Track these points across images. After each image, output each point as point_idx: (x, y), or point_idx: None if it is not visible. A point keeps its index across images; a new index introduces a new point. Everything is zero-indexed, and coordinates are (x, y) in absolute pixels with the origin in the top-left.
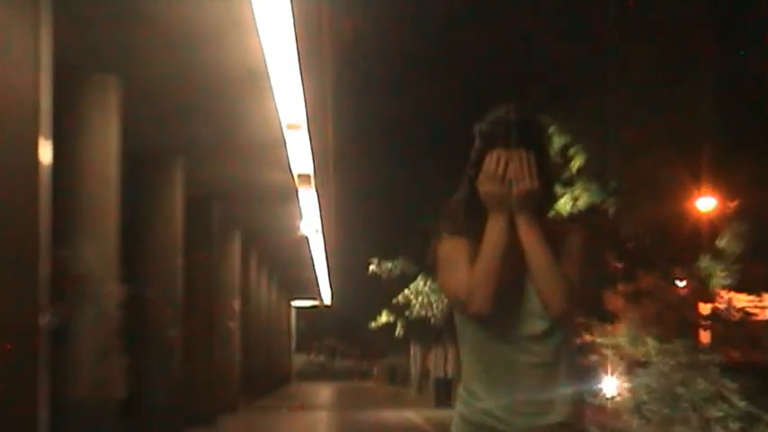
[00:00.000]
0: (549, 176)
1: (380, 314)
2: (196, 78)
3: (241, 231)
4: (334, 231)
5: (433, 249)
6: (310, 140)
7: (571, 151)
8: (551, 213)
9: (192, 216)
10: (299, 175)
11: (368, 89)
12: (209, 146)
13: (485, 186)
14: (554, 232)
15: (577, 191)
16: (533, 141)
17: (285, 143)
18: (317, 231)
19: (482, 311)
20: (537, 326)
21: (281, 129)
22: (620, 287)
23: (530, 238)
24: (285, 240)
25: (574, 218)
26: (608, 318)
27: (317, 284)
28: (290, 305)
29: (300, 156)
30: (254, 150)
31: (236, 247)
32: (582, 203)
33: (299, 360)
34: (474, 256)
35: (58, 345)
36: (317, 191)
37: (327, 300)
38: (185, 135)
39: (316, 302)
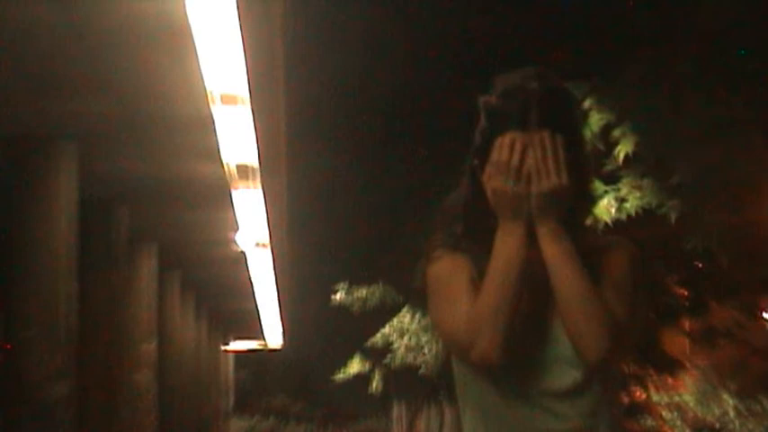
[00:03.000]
0: (584, 169)
1: (350, 361)
2: (90, 34)
3: (158, 246)
4: (287, 246)
5: (422, 272)
6: (254, 119)
7: (615, 133)
8: (587, 221)
9: (89, 225)
10: (238, 168)
11: (335, 45)
12: (111, 128)
13: (494, 183)
14: (591, 247)
15: (624, 189)
16: (562, 120)
17: (214, 123)
18: (261, 245)
19: (490, 358)
20: (566, 378)
21: (211, 103)
22: (686, 324)
23: (556, 255)
24: (219, 259)
25: (619, 227)
26: (667, 366)
27: (261, 320)
28: (225, 349)
29: (240, 141)
30: (174, 134)
31: (150, 269)
32: (631, 207)
33: (238, 427)
34: (479, 280)
35: None
36: (263, 190)
37: (277, 341)
38: (77, 113)
39: (261, 345)
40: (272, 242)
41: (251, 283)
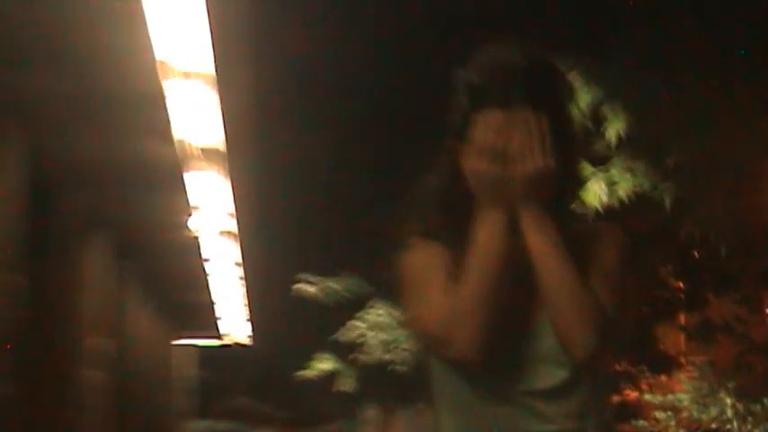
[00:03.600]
0: (572, 150)
1: (319, 358)
2: (31, 3)
3: (105, 234)
4: (254, 234)
5: (395, 261)
6: (219, 94)
7: (605, 111)
8: (575, 207)
9: (29, 211)
10: (200, 149)
11: (308, 21)
12: (50, 101)
13: (473, 166)
14: (578, 236)
15: (615, 172)
16: (547, 97)
17: (164, 98)
18: (226, 234)
19: (468, 355)
20: (552, 377)
21: (168, 77)
22: (682, 318)
23: (541, 244)
24: (177, 247)
25: (610, 213)
26: (662, 364)
27: (224, 313)
28: (184, 345)
29: (199, 118)
30: (125, 111)
31: (101, 256)
32: (623, 191)
33: (198, 430)
34: (456, 271)
35: None
36: (227, 172)
37: (241, 336)
38: (17, 88)
39: (224, 340)
40: (238, 229)
41: (208, 274)
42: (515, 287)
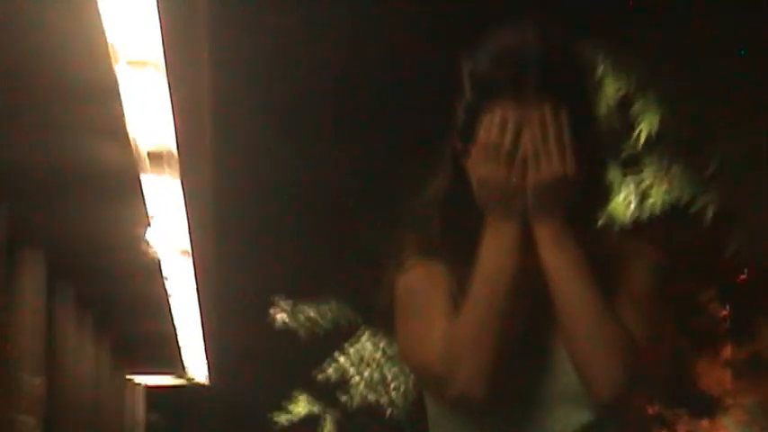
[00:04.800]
0: (596, 154)
1: (295, 399)
2: None
3: (44, 249)
4: (214, 251)
5: (388, 285)
6: (169, 86)
7: (636, 107)
8: (600, 220)
9: None
10: (149, 153)
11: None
12: None
13: (481, 172)
14: (604, 255)
15: (647, 180)
16: (568, 90)
17: (119, 91)
18: (183, 252)
19: (472, 394)
20: (570, 420)
21: (114, 64)
22: (727, 351)
23: (559, 264)
24: (126, 268)
25: (641, 228)
26: (703, 406)
27: (181, 347)
28: (133, 384)
29: (151, 117)
30: (69, 107)
31: (33, 279)
32: (655, 202)
33: None
34: (460, 294)
35: None
36: (181, 179)
37: (200, 374)
38: None
39: (180, 379)
40: (193, 247)
41: (168, 300)
42: (529, 315)
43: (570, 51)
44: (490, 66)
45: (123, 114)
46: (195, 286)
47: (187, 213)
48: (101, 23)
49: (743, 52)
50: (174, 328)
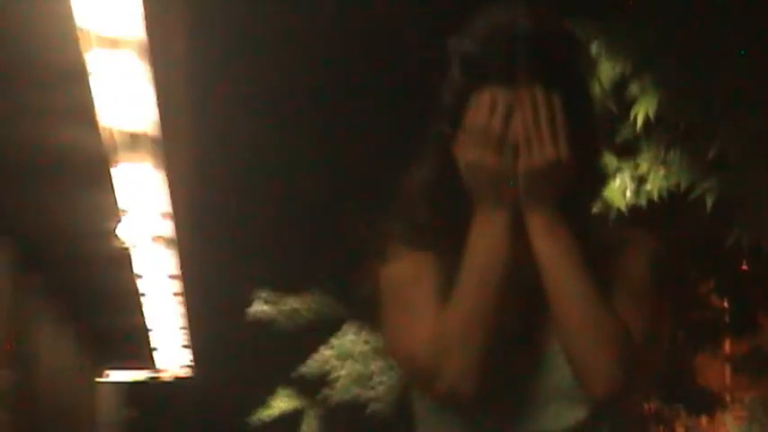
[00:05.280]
0: (591, 138)
1: (278, 394)
2: None
3: (12, 238)
4: (195, 240)
5: (373, 276)
6: (152, 69)
7: (633, 89)
8: (595, 208)
9: None
10: (126, 136)
11: None
12: None
13: (469, 157)
14: (600, 244)
15: (645, 165)
16: (561, 71)
17: (91, 73)
18: (158, 240)
19: (461, 390)
20: (564, 417)
21: (86, 45)
22: (727, 346)
23: (552, 254)
24: (99, 258)
25: (638, 216)
26: (702, 403)
27: (157, 340)
28: (107, 379)
29: (127, 101)
30: (36, 89)
31: (3, 271)
32: (653, 189)
33: None
34: (449, 286)
35: None
36: (158, 166)
37: (178, 368)
38: None
39: (157, 373)
40: (171, 237)
41: (140, 292)
42: (520, 307)
43: (563, 29)
44: (479, 44)
45: (96, 99)
46: (173, 277)
47: (166, 202)
48: (70, 3)
49: (743, 52)
50: (150, 321)
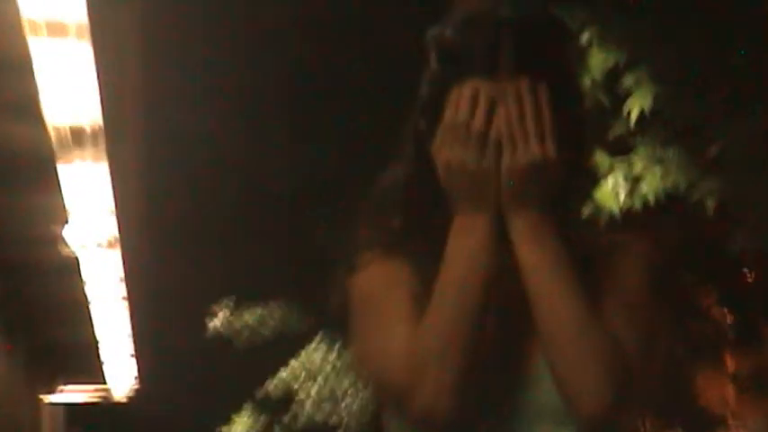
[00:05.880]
0: (581, 134)
1: (239, 416)
2: None
3: None
4: (144, 246)
5: (342, 285)
6: (95, 56)
7: (627, 81)
8: (585, 211)
9: None
10: (71, 131)
11: None
12: None
13: (447, 155)
14: (590, 250)
15: (640, 164)
16: (548, 62)
17: (31, 63)
18: (105, 245)
19: (438, 410)
20: None
21: (27, 34)
22: (729, 361)
23: (538, 261)
24: (39, 266)
25: (632, 220)
26: (703, 423)
27: (104, 357)
28: (47, 401)
29: (72, 94)
30: None
31: None
32: (649, 190)
33: None
34: (425, 296)
35: None
36: (109, 162)
37: (125, 388)
38: None
39: (103, 394)
40: (121, 239)
41: (88, 302)
42: (503, 319)
43: (550, 15)
44: (458, 32)
45: (38, 91)
46: (124, 288)
47: (115, 202)
48: None
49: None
50: (98, 336)
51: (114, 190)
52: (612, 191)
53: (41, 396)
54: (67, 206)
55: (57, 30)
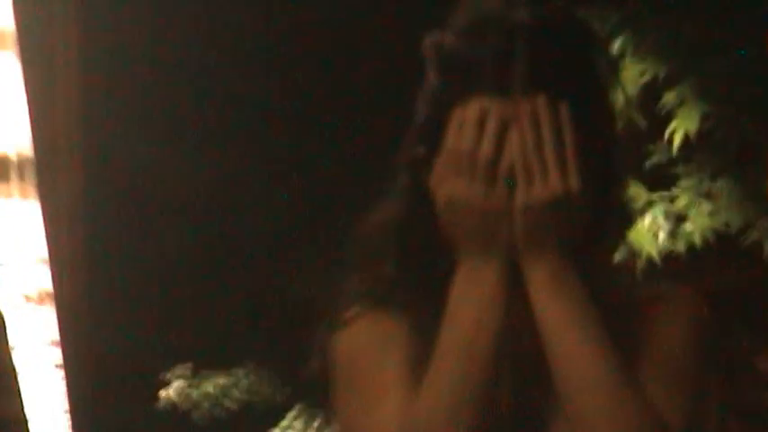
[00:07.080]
0: (612, 163)
1: None
2: None
3: None
4: (82, 301)
5: (324, 344)
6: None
7: (668, 98)
8: (618, 256)
9: None
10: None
11: None
12: None
13: (448, 189)
14: (623, 304)
15: (683, 199)
16: (571, 77)
17: None
18: (36, 300)
19: None
20: None
21: None
22: None
23: (559, 318)
24: None
25: (675, 266)
26: None
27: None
28: None
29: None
30: None
31: None
32: (695, 230)
33: None
34: (421, 360)
35: None
36: (40, 199)
37: None
38: None
39: None
40: (56, 294)
41: (15, 371)
42: (516, 385)
43: (574, 20)
44: (463, 41)
45: None
46: (57, 352)
47: (46, 250)
48: None
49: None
50: (27, 412)
51: (47, 232)
52: (650, 231)
53: None
54: None
55: None
